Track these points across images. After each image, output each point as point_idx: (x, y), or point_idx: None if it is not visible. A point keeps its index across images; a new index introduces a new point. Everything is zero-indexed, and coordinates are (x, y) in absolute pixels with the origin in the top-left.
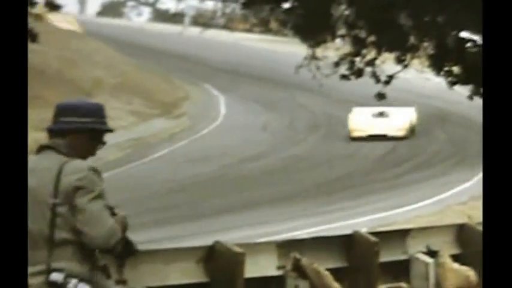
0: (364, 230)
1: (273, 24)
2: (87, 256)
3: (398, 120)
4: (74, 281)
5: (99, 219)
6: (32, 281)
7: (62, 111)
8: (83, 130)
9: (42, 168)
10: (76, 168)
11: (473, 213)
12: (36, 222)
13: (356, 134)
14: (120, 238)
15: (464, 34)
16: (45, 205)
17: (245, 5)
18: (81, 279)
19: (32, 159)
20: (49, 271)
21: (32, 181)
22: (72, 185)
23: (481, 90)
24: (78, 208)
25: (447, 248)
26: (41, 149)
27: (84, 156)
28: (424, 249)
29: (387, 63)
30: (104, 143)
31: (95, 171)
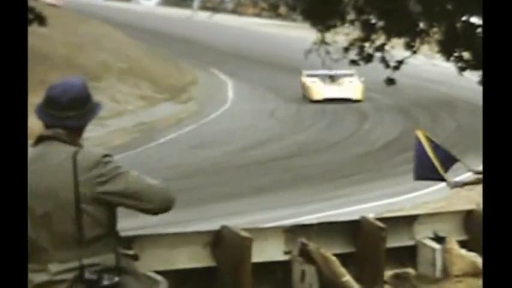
0: (371, 215)
1: (282, 9)
2: (117, 246)
3: None
4: (106, 276)
5: (145, 188)
6: (64, 277)
7: (62, 104)
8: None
9: (53, 164)
10: (91, 162)
11: (481, 200)
12: (60, 223)
13: None
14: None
15: (474, 19)
16: (68, 204)
17: None
18: (114, 271)
19: (37, 153)
20: (82, 268)
21: (46, 179)
22: (96, 181)
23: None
24: (123, 194)
25: (454, 234)
26: (41, 139)
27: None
28: (431, 235)
29: (396, 49)
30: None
31: (108, 156)
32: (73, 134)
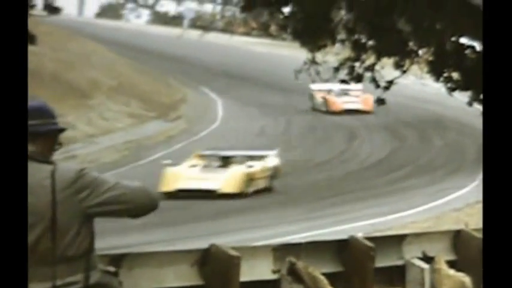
0: (359, 235)
1: (273, 28)
2: (96, 263)
3: None
4: None
5: (129, 191)
6: None
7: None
8: (55, 132)
9: (33, 184)
10: (70, 178)
11: (469, 220)
12: (43, 242)
13: None
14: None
15: (463, 40)
16: (51, 223)
17: (244, 9)
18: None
19: None
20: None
21: (28, 200)
22: (79, 197)
23: (481, 96)
24: (109, 201)
25: (443, 254)
26: None
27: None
28: (420, 255)
29: (386, 69)
30: (61, 144)
31: (85, 169)
32: (45, 151)
